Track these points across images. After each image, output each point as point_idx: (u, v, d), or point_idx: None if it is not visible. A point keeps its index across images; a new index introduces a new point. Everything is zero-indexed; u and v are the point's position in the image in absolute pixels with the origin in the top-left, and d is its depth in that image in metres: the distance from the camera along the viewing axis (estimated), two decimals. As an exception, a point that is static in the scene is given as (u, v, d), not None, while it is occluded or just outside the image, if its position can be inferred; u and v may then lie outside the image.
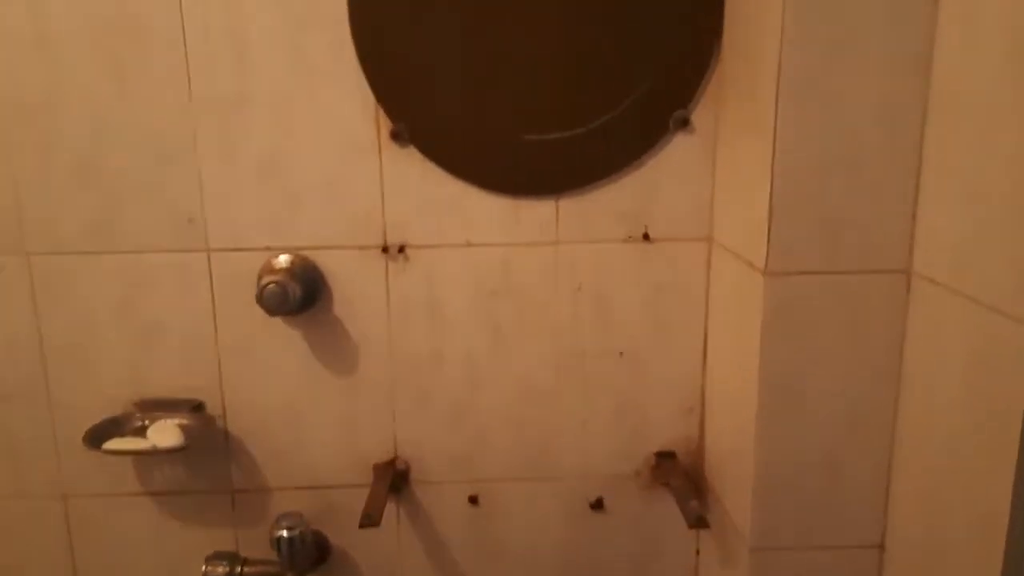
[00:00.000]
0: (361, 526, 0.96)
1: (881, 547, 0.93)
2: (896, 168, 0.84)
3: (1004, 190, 0.70)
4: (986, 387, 0.72)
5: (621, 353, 1.08)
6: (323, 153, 1.01)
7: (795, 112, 0.83)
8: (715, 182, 1.04)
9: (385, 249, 1.05)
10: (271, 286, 0.96)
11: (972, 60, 0.75)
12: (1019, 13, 0.68)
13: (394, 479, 1.08)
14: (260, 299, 0.97)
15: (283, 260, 1.03)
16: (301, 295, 1.00)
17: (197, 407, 1.07)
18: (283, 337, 1.06)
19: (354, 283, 1.05)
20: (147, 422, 1.05)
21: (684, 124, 1.02)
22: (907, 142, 0.83)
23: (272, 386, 1.08)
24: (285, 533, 1.01)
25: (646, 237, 1.06)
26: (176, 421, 1.05)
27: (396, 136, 1.01)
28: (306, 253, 1.04)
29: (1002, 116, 0.70)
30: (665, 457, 1.12)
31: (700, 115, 1.02)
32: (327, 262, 1.05)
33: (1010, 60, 0.69)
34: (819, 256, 0.87)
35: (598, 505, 1.13)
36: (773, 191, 0.85)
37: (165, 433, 1.03)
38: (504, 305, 1.07)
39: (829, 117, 0.83)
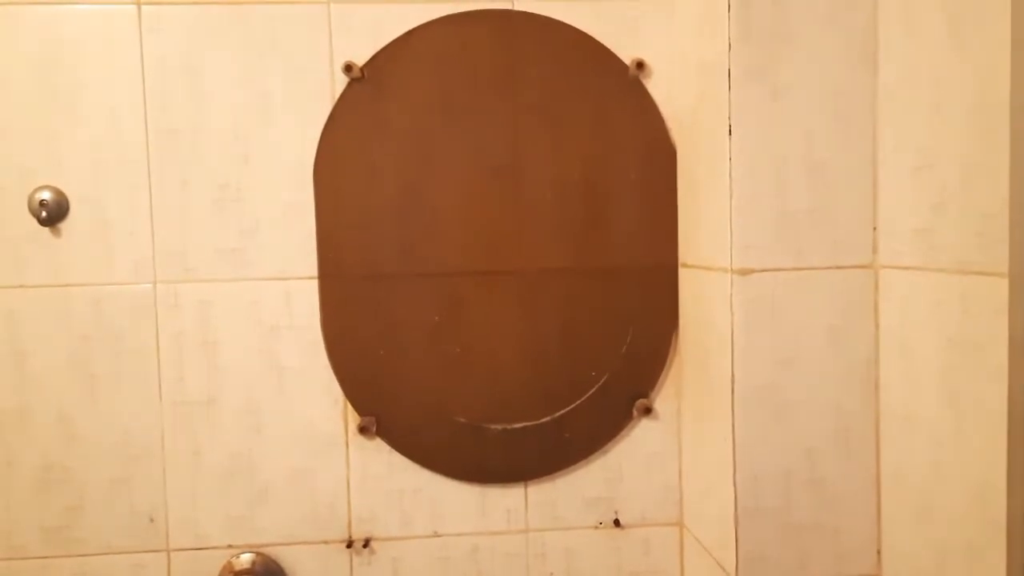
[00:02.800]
0: None
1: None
2: (857, 482, 0.85)
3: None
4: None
5: (597, 648, 1.04)
6: (290, 449, 1.02)
7: (752, 423, 0.85)
8: (682, 467, 1.04)
9: (349, 544, 1.02)
10: (229, 597, 0.93)
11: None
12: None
13: None
14: (218, 610, 0.94)
15: (245, 560, 1.01)
16: (261, 603, 0.96)
17: None
18: (241, 641, 1.01)
19: (318, 581, 1.02)
20: None
21: (647, 412, 1.04)
22: (864, 459, 0.85)
23: None
24: None
25: (617, 523, 1.04)
26: None
27: (364, 430, 1.02)
28: (269, 550, 1.02)
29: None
30: None
31: (662, 402, 1.04)
32: (290, 559, 1.02)
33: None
34: (791, 563, 0.86)
35: None
36: (738, 502, 0.85)
37: None
38: (474, 597, 1.04)
39: (786, 424, 0.85)
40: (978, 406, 0.69)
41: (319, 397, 1.02)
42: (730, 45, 0.83)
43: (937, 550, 0.76)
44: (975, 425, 0.70)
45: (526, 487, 1.04)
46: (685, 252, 1.01)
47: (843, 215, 0.84)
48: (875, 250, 0.84)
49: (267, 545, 1.02)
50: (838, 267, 0.84)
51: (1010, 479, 0.63)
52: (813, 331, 0.84)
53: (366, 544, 1.03)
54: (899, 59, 0.80)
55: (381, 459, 1.03)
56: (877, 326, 0.84)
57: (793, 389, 0.85)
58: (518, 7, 1.00)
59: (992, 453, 0.67)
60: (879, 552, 0.85)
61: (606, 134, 1.01)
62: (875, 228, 0.83)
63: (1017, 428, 0.62)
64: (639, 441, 1.04)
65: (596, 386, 1.03)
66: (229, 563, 1.01)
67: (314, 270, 1.01)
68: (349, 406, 1.02)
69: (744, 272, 0.84)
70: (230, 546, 1.01)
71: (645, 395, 1.04)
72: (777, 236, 0.84)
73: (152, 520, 1.01)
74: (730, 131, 0.83)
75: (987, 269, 0.67)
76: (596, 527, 1.05)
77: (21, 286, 0.98)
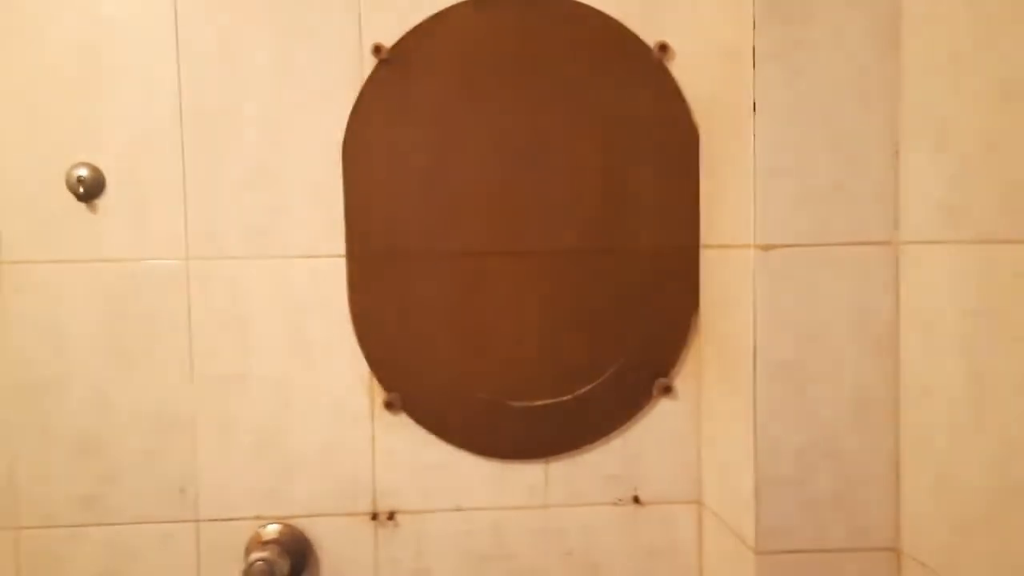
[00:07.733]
0: None
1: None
2: (876, 455, 0.86)
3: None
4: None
5: (616, 622, 1.05)
6: (318, 424, 1.04)
7: (773, 397, 0.86)
8: (701, 446, 1.06)
9: (374, 516, 1.04)
10: (259, 564, 0.95)
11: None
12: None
13: None
14: (247, 577, 0.96)
15: (272, 530, 1.03)
16: (288, 571, 0.98)
17: None
18: (268, 610, 1.03)
19: (343, 552, 1.04)
20: None
21: (667, 391, 1.05)
22: (884, 433, 0.86)
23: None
24: None
25: (636, 500, 1.06)
26: None
27: (389, 405, 1.04)
28: (295, 522, 1.04)
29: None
30: None
31: (682, 382, 1.06)
32: (316, 531, 1.04)
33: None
34: (809, 535, 0.87)
35: None
36: (758, 474, 0.87)
37: None
38: (494, 571, 1.05)
39: (806, 398, 0.86)
40: (998, 374, 0.70)
41: (346, 373, 1.04)
42: (755, 25, 0.84)
43: (955, 522, 0.77)
44: (995, 393, 0.71)
45: (547, 464, 1.06)
46: (707, 234, 1.02)
47: (865, 191, 0.85)
48: (896, 226, 0.85)
49: (294, 517, 1.04)
50: (860, 243, 0.85)
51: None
52: (834, 306, 0.86)
53: (390, 517, 1.05)
54: (921, 35, 0.81)
55: (406, 434, 1.05)
56: (898, 300, 0.85)
57: (814, 363, 0.86)
58: (544, -9, 1.02)
59: (1012, 420, 0.68)
60: (898, 524, 0.86)
61: (629, 117, 1.03)
62: (897, 204, 0.85)
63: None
64: (658, 420, 1.06)
65: (616, 365, 1.05)
66: (257, 534, 1.03)
67: (342, 249, 1.03)
68: (375, 382, 1.04)
69: (767, 247, 0.85)
70: (258, 517, 1.04)
71: (665, 375, 1.05)
72: (800, 212, 0.85)
73: (183, 491, 1.03)
74: (754, 108, 0.84)
75: (1012, 236, 0.68)
76: (615, 504, 1.06)
77: (58, 260, 1.01)
